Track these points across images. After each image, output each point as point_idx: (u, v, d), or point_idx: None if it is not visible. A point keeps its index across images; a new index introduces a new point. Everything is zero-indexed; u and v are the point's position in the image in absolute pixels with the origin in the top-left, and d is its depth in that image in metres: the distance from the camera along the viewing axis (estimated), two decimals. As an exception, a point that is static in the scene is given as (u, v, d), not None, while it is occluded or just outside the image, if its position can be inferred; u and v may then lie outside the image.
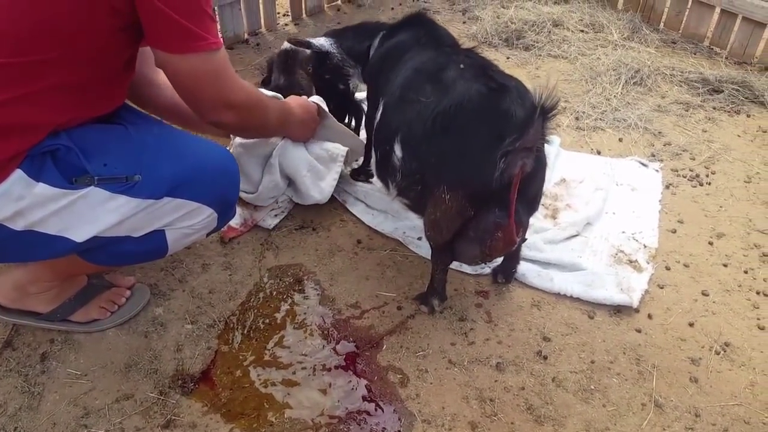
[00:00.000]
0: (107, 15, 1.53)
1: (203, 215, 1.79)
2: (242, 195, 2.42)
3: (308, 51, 2.60)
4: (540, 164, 1.86)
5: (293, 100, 2.28)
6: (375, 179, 2.56)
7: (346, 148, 2.49)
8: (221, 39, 1.69)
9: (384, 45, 2.40)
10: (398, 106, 2.04)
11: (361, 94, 2.82)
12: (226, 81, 1.73)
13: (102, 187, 1.61)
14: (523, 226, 1.90)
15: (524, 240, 2.18)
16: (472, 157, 1.77)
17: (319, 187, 2.45)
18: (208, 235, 1.92)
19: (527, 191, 1.84)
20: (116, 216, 1.64)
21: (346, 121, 2.77)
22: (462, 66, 1.94)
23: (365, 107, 2.66)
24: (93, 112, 1.69)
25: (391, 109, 2.09)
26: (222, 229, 2.11)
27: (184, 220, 1.76)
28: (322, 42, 2.56)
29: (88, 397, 1.84)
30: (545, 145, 1.81)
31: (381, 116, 2.16)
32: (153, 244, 1.78)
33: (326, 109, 2.43)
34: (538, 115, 1.62)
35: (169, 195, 1.68)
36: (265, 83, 2.91)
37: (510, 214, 1.76)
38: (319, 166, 2.45)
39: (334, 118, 2.46)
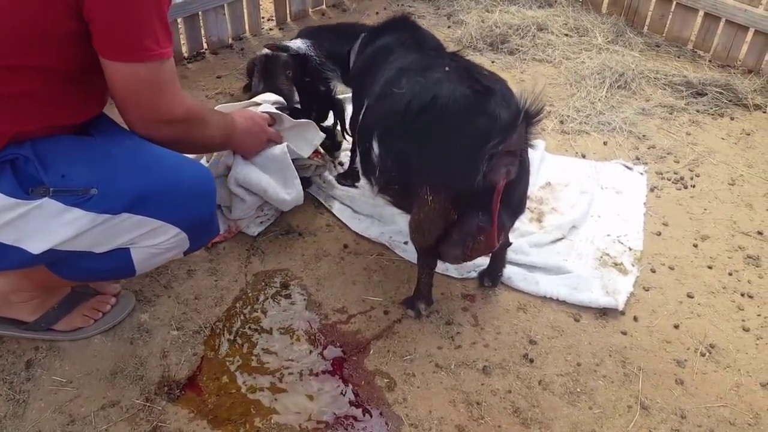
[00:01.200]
0: (66, 18, 1.49)
1: (168, 235, 1.72)
2: (224, 210, 2.43)
3: (286, 55, 2.58)
4: (524, 169, 1.86)
5: (239, 114, 2.19)
6: (361, 182, 2.57)
7: (285, 143, 2.38)
8: (170, 50, 1.62)
9: (367, 48, 2.39)
10: (378, 103, 2.04)
11: (345, 95, 2.82)
12: (166, 95, 1.66)
13: (57, 198, 1.57)
14: (504, 230, 1.90)
15: (509, 244, 2.19)
16: (455, 160, 1.76)
17: (286, 190, 2.40)
18: (186, 254, 1.87)
19: (511, 196, 1.85)
20: (72, 229, 1.60)
21: (330, 120, 2.76)
22: (447, 69, 1.93)
23: (348, 107, 2.67)
24: (60, 121, 1.65)
25: (371, 107, 2.10)
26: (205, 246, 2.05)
27: (147, 238, 1.70)
28: (299, 45, 2.55)
29: (74, 404, 1.83)
30: (529, 149, 1.82)
31: (363, 116, 2.16)
32: (118, 262, 1.74)
33: (279, 113, 2.35)
34: (522, 119, 1.62)
35: (127, 211, 1.62)
36: (246, 89, 2.90)
37: (493, 218, 1.76)
38: (276, 176, 2.38)
39: (289, 118, 2.38)
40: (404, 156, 1.89)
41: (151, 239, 1.71)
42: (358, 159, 2.27)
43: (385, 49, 2.27)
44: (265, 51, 2.72)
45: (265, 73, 2.66)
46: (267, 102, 2.39)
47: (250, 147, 2.28)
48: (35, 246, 1.61)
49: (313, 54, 2.54)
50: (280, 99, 2.46)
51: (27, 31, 1.48)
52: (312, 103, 2.62)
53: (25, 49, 1.49)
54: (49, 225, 1.59)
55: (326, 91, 2.64)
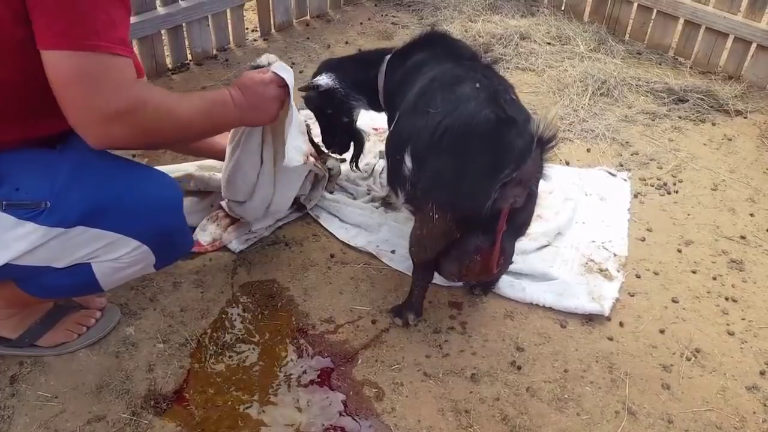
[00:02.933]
0: (13, 26, 1.42)
1: (128, 248, 1.66)
2: (231, 205, 2.38)
3: (315, 94, 2.50)
4: (531, 197, 1.85)
5: (238, 81, 1.87)
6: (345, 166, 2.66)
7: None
8: (120, 47, 1.46)
9: (398, 68, 2.33)
10: (411, 116, 2.04)
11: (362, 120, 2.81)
12: (103, 89, 1.45)
13: (9, 212, 1.53)
14: (505, 255, 1.89)
15: (505, 270, 2.18)
16: (468, 183, 1.77)
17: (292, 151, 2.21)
18: (158, 268, 1.82)
19: (515, 220, 1.86)
20: (25, 243, 1.56)
21: (351, 151, 2.69)
22: (478, 85, 1.92)
23: (365, 135, 2.67)
24: (32, 133, 1.61)
25: (404, 118, 2.09)
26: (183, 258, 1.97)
27: (107, 252, 1.65)
28: (326, 80, 2.47)
29: (59, 419, 1.81)
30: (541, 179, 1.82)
31: (395, 125, 2.15)
32: (80, 278, 1.70)
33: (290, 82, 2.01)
34: (536, 147, 1.63)
35: (82, 224, 1.57)
36: None
37: (494, 242, 1.77)
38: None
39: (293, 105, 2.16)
40: (425, 174, 1.90)
41: (111, 253, 1.65)
42: (383, 166, 2.22)
43: (419, 64, 2.23)
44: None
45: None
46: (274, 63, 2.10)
47: (259, 116, 1.93)
48: None
49: (338, 86, 2.47)
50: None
51: None
52: (334, 135, 2.60)
53: None
54: (3, 239, 1.55)
55: (349, 122, 2.58)
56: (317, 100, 2.48)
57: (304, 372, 2.01)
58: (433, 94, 1.98)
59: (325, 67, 2.54)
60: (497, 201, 1.69)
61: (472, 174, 1.77)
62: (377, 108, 2.53)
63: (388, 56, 2.41)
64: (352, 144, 2.65)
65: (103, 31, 1.42)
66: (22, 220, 1.54)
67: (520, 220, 1.92)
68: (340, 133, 2.59)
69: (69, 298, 2.06)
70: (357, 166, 2.69)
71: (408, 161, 1.98)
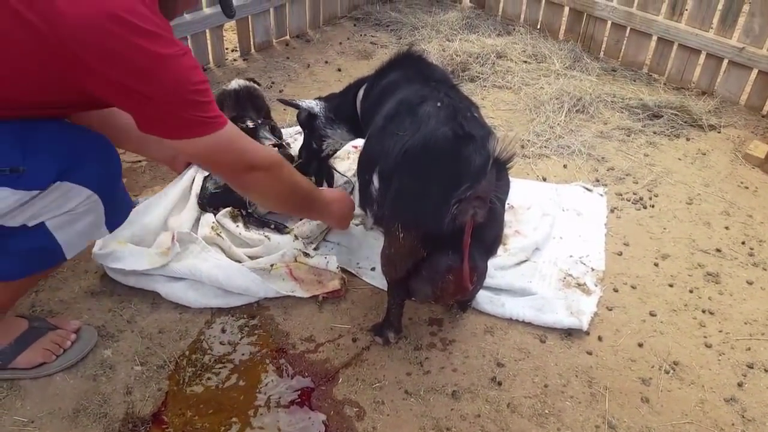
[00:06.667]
0: (80, 96, 1.59)
1: (82, 197, 1.74)
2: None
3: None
4: (495, 213, 1.86)
5: (340, 197, 2.36)
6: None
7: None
8: (220, 113, 1.70)
9: (373, 91, 2.37)
10: (378, 137, 2.06)
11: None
12: (239, 146, 1.78)
13: None
14: (478, 272, 1.89)
15: (480, 288, 2.18)
16: (428, 199, 1.78)
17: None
18: (111, 228, 1.89)
19: (484, 237, 1.86)
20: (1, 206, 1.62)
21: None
22: (439, 104, 1.95)
23: (336, 172, 2.80)
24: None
25: (372, 139, 2.12)
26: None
27: (61, 205, 1.72)
28: (309, 103, 2.62)
29: (35, 445, 1.79)
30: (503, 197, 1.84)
31: (364, 146, 2.18)
32: (37, 239, 1.73)
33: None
34: (491, 166, 1.65)
35: (57, 181, 1.67)
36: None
37: (463, 259, 1.77)
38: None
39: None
40: (389, 194, 1.92)
41: (65, 205, 1.72)
42: (356, 188, 2.28)
43: (392, 85, 2.27)
44: (235, 84, 2.87)
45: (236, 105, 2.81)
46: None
47: (342, 216, 2.38)
48: None
49: (320, 112, 2.60)
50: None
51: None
52: (310, 158, 2.70)
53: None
54: None
55: (317, 150, 2.66)
56: (299, 117, 2.65)
57: (285, 392, 1.99)
58: (399, 116, 2.01)
59: (321, 98, 2.69)
60: (458, 216, 1.70)
61: (431, 191, 1.78)
62: (359, 133, 2.56)
63: (366, 83, 2.47)
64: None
65: (208, 107, 1.65)
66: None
67: (489, 238, 1.92)
68: (315, 161, 2.70)
69: (43, 319, 2.05)
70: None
71: (376, 182, 2.00)
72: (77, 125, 1.81)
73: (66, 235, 1.78)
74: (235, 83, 2.90)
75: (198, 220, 2.56)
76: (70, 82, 1.52)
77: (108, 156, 1.80)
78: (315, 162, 2.71)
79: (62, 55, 1.45)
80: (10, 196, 1.60)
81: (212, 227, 2.48)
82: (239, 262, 2.36)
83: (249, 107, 2.87)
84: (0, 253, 1.73)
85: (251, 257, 2.41)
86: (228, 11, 1.98)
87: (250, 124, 2.73)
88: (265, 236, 2.48)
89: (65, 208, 1.72)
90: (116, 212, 1.89)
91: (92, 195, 1.75)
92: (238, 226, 2.52)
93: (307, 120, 2.63)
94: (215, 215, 2.55)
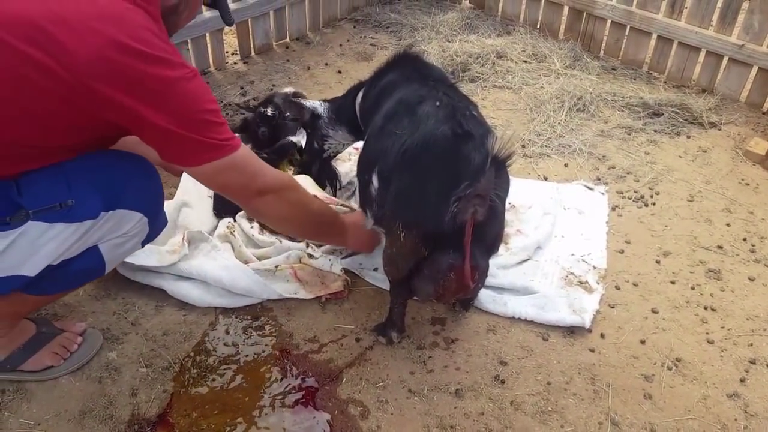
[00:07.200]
0: (107, 126, 1.62)
1: (134, 221, 1.79)
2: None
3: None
4: (495, 211, 1.87)
5: (357, 220, 2.29)
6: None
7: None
8: (233, 135, 1.72)
9: (372, 91, 2.39)
10: (377, 137, 2.07)
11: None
12: (250, 170, 1.78)
13: (37, 219, 1.62)
14: (479, 270, 1.90)
15: (482, 287, 2.19)
16: (428, 198, 1.79)
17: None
18: (144, 245, 1.93)
19: (485, 236, 1.87)
20: (57, 243, 1.65)
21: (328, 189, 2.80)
22: (438, 103, 1.96)
23: (339, 172, 2.81)
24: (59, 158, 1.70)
25: (371, 139, 2.13)
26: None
27: (115, 230, 1.77)
28: (314, 104, 2.67)
29: (41, 447, 1.80)
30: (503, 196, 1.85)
31: (363, 146, 2.19)
32: (90, 261, 1.78)
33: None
34: (490, 164, 1.66)
35: (105, 210, 1.70)
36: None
37: (465, 257, 1.78)
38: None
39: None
40: (391, 193, 1.93)
41: (119, 229, 1.78)
42: (357, 188, 2.31)
43: (390, 85, 2.28)
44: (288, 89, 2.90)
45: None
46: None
47: (364, 239, 2.31)
48: (31, 269, 1.67)
49: (323, 113, 2.65)
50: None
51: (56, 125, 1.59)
52: (312, 158, 2.71)
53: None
54: (37, 245, 1.64)
55: (318, 150, 2.69)
56: (303, 118, 2.67)
57: (289, 392, 2.00)
58: (398, 115, 2.02)
59: (325, 99, 2.74)
60: (458, 214, 1.71)
61: (431, 190, 1.79)
62: (359, 134, 2.58)
63: (365, 85, 2.49)
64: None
65: (220, 131, 1.67)
66: (52, 223, 1.63)
67: (490, 236, 1.93)
68: (317, 161, 2.72)
69: (50, 323, 2.06)
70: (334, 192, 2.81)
71: (375, 182, 2.01)
72: (113, 150, 1.83)
73: (112, 255, 1.83)
74: (289, 89, 2.93)
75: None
76: (95, 116, 1.55)
77: (150, 177, 1.84)
78: (317, 162, 2.73)
79: (81, 91, 1.48)
80: (64, 230, 1.64)
81: (227, 226, 2.53)
82: (247, 262, 2.37)
83: (292, 108, 2.87)
84: (60, 274, 1.76)
85: (259, 258, 2.42)
86: (227, 19, 2.01)
87: (270, 111, 2.70)
88: (277, 239, 2.49)
89: (120, 232, 1.79)
90: (155, 229, 1.93)
91: (143, 218, 1.82)
92: (252, 227, 2.54)
93: (310, 120, 2.66)
94: (234, 219, 2.60)
